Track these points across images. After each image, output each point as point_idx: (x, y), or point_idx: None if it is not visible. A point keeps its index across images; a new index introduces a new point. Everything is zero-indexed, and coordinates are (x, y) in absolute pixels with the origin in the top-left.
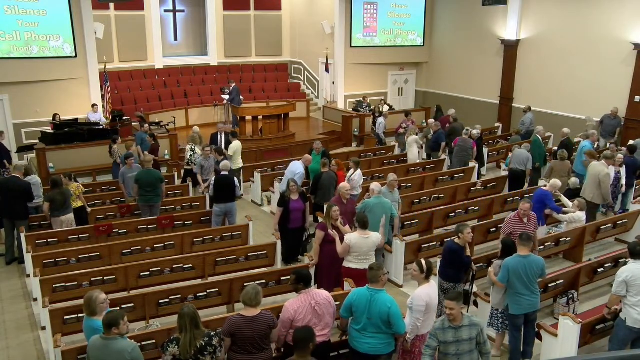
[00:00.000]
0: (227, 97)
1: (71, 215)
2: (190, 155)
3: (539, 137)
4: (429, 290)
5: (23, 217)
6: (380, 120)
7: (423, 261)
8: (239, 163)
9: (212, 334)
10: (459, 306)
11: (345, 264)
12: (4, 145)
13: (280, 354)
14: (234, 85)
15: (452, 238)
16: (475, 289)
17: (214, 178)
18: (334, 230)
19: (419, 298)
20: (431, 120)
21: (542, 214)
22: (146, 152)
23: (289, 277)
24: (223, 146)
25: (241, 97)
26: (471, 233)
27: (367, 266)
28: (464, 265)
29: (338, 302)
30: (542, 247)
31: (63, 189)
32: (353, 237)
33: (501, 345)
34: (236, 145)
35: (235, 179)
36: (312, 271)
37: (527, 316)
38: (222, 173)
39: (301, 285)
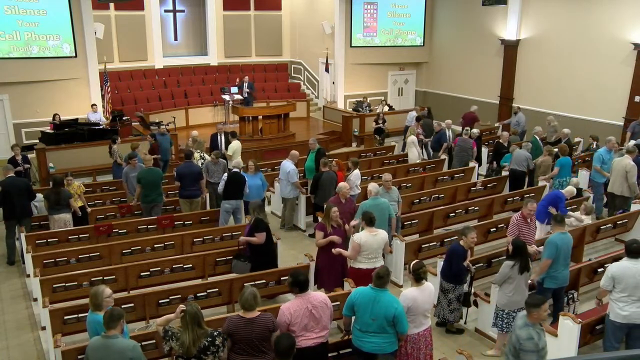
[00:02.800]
0: (238, 95)
1: (65, 215)
2: (202, 164)
3: (537, 137)
4: (416, 294)
5: (29, 214)
6: (413, 114)
7: (412, 263)
8: (238, 163)
9: (215, 333)
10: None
11: (354, 265)
12: (16, 161)
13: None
14: (248, 81)
15: (457, 239)
16: (473, 290)
17: (225, 175)
18: (337, 244)
19: (403, 299)
20: (449, 121)
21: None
22: (145, 152)
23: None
24: (223, 146)
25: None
26: (475, 238)
27: (377, 265)
28: (464, 268)
29: (338, 302)
30: (543, 246)
31: (58, 189)
32: (362, 235)
33: (502, 346)
34: (235, 145)
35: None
36: (312, 271)
37: (556, 291)
38: (234, 170)
39: (297, 290)
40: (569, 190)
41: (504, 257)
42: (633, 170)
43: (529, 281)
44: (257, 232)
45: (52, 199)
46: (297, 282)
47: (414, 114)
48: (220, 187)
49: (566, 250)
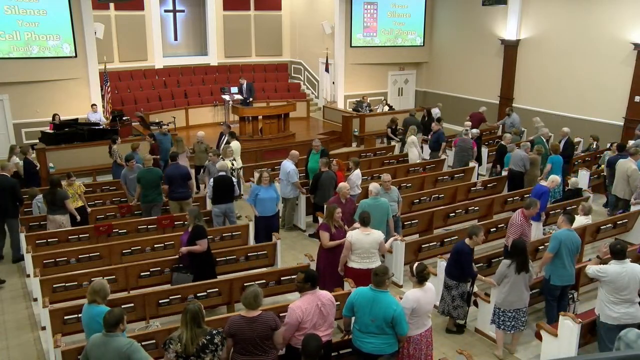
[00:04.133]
0: (238, 95)
1: (59, 217)
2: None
3: (543, 138)
4: (419, 295)
5: (13, 215)
6: (436, 110)
7: (415, 265)
8: (238, 163)
9: (215, 332)
10: None
11: (349, 264)
12: (32, 162)
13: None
14: (246, 82)
15: (464, 239)
16: (475, 289)
17: (212, 179)
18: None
19: (406, 301)
20: (468, 123)
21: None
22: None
23: (289, 277)
24: (222, 146)
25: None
26: (484, 237)
27: (371, 266)
28: (470, 268)
29: (339, 302)
30: (542, 246)
31: (54, 190)
32: (354, 234)
33: (502, 345)
34: (235, 145)
35: (233, 178)
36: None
37: (563, 288)
38: (220, 173)
39: (308, 285)
40: (553, 179)
41: (502, 257)
42: (634, 174)
43: (536, 276)
44: (198, 240)
45: (48, 200)
46: (310, 277)
47: (437, 110)
48: (209, 193)
49: (571, 248)
